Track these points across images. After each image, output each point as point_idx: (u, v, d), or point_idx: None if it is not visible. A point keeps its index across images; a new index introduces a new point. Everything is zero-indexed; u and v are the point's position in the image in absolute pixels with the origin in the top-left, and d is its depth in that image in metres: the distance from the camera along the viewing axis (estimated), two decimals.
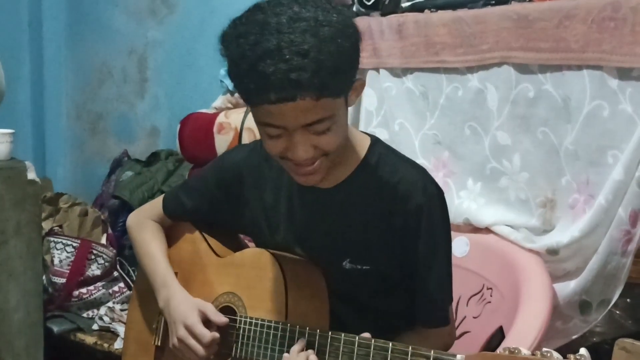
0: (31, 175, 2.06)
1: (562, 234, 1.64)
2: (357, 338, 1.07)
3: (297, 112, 1.04)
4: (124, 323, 2.19)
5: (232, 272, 1.32)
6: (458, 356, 0.95)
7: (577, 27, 1.57)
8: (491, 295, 1.71)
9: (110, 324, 2.23)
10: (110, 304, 2.29)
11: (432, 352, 0.98)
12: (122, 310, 2.28)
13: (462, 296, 1.76)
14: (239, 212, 1.34)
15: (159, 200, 1.49)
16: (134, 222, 1.48)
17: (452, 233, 1.78)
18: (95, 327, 2.24)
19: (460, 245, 1.81)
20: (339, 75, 1.05)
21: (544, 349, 0.84)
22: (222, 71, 2.54)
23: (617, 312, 1.76)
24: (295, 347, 1.13)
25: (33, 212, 2.04)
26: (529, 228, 1.73)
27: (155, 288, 1.37)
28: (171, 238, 1.47)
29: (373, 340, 1.05)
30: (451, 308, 1.29)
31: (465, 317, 1.74)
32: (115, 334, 2.18)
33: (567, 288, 1.64)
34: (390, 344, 1.03)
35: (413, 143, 1.90)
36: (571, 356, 0.80)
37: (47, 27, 3.31)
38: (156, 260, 1.39)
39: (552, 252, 1.64)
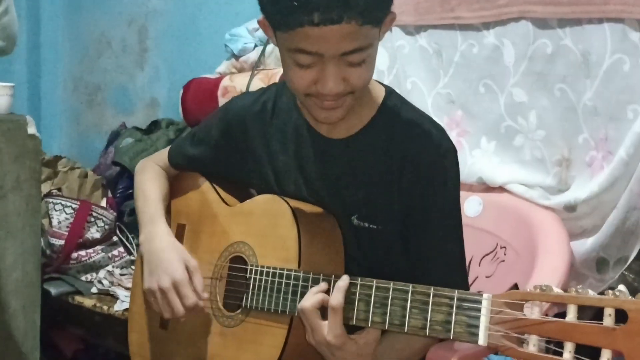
0: (31, 129, 2.00)
1: (580, 190, 1.61)
2: (374, 282, 1.01)
3: (339, 37, 0.98)
4: (124, 287, 2.16)
5: (242, 221, 1.28)
6: (484, 294, 0.87)
7: None
8: (505, 254, 1.68)
9: (110, 287, 2.18)
10: (109, 268, 2.24)
11: (455, 292, 0.91)
12: (121, 274, 2.23)
13: (475, 256, 1.72)
14: (244, 161, 1.30)
15: (165, 150, 1.45)
16: (139, 166, 1.45)
17: (465, 193, 1.78)
18: (94, 290, 2.19)
19: (473, 204, 1.78)
20: (382, 7, 1.01)
21: (579, 286, 0.79)
22: (227, 35, 2.50)
23: (631, 275, 1.73)
24: (314, 288, 1.07)
25: (33, 167, 1.98)
26: (544, 187, 1.70)
27: (141, 224, 1.31)
28: (180, 189, 1.43)
29: (392, 284, 0.99)
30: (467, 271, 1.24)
31: (477, 276, 1.70)
32: (114, 297, 2.13)
33: (584, 246, 1.61)
34: (411, 286, 0.96)
35: (426, 102, 1.87)
36: (609, 292, 0.75)
37: None
38: (149, 199, 1.34)
39: (570, 208, 1.61)
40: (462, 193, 1.71)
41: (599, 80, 1.58)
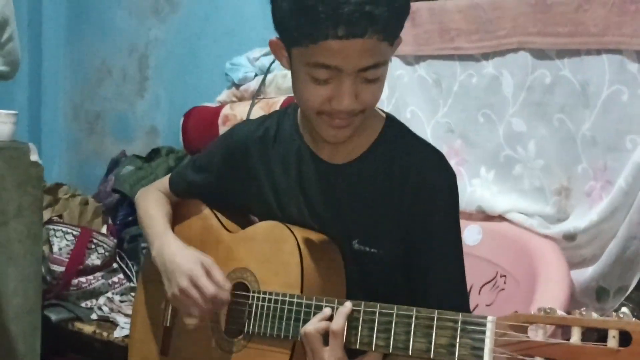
0: (34, 157, 2.02)
1: (580, 220, 1.62)
2: (378, 306, 1.01)
3: (360, 52, 0.99)
4: (124, 314, 2.15)
5: (244, 247, 1.28)
6: (489, 317, 0.88)
7: (597, 10, 1.57)
8: (505, 283, 1.68)
9: (109, 314, 2.17)
10: (109, 295, 2.24)
11: (460, 315, 0.91)
12: (121, 301, 2.22)
13: (475, 284, 1.73)
14: (246, 187, 1.30)
15: (166, 178, 1.46)
16: (141, 193, 1.45)
17: (464, 221, 1.79)
18: (93, 317, 2.18)
19: (472, 233, 1.79)
20: (403, 17, 1.04)
21: (582, 308, 0.80)
22: (228, 64, 2.53)
23: (630, 305, 1.74)
24: (319, 315, 1.07)
25: (35, 195, 1.98)
26: (543, 216, 1.71)
27: (150, 241, 1.32)
28: (181, 215, 1.43)
29: (396, 308, 0.99)
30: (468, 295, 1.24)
31: (477, 305, 1.70)
32: (114, 324, 2.12)
33: (584, 275, 1.62)
34: (415, 310, 0.96)
35: (425, 131, 1.89)
36: (613, 314, 0.75)
37: (47, 25, 3.28)
38: (154, 218, 1.34)
39: (569, 237, 1.62)
40: (462, 222, 1.72)
41: (598, 111, 1.60)
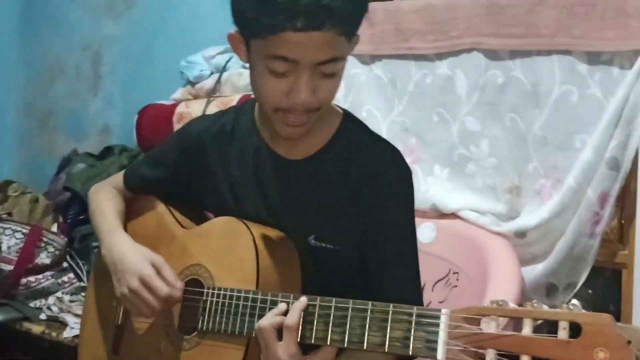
0: None
1: (530, 217, 1.65)
2: (333, 301, 1.01)
3: (318, 45, 1.00)
4: (74, 314, 2.10)
5: (198, 243, 1.26)
6: (443, 310, 0.88)
7: (548, 13, 1.60)
8: (457, 280, 1.70)
9: (59, 314, 2.12)
10: (59, 294, 2.18)
11: (414, 308, 0.91)
12: (71, 301, 2.17)
13: (428, 281, 1.74)
14: (202, 183, 1.29)
15: (120, 174, 1.43)
16: (94, 189, 1.42)
17: (419, 219, 1.80)
18: (42, 316, 2.13)
19: (426, 231, 1.80)
20: (362, 11, 1.05)
21: (534, 300, 0.82)
22: (183, 62, 2.50)
23: (579, 302, 1.78)
24: (274, 310, 1.06)
25: None
26: (495, 214, 1.73)
27: (100, 238, 1.29)
28: (135, 212, 1.40)
29: (351, 302, 0.99)
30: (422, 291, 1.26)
31: (430, 301, 1.72)
32: (64, 324, 2.07)
33: (534, 271, 1.65)
34: (370, 304, 0.96)
35: (380, 130, 1.90)
36: (563, 305, 0.77)
37: None
38: (105, 214, 1.32)
39: (520, 234, 1.65)
40: (416, 219, 1.75)
41: (548, 110, 1.63)
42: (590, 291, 1.78)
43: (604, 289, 1.71)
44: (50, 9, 3.14)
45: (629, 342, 0.68)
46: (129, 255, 1.21)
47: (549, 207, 1.60)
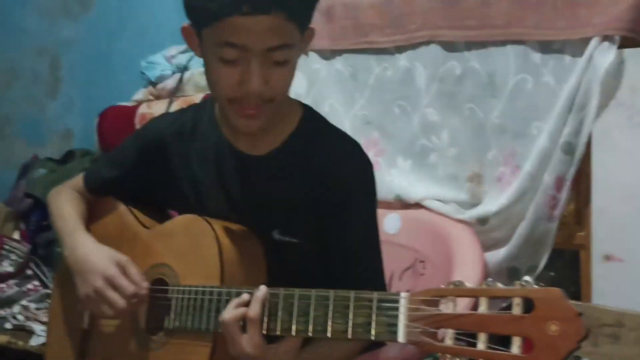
0: None
1: (491, 204, 1.68)
2: (296, 291, 1.02)
3: (266, 30, 1.01)
4: (40, 321, 2.08)
5: (162, 243, 1.26)
6: (402, 294, 0.90)
7: (501, 4, 1.64)
8: (424, 268, 1.73)
9: (25, 322, 2.09)
10: (24, 302, 2.16)
11: (375, 293, 0.93)
12: (37, 309, 2.15)
13: (395, 271, 1.76)
14: (163, 181, 1.29)
15: (79, 176, 1.42)
16: (53, 192, 1.41)
17: (384, 210, 1.83)
18: (8, 326, 2.10)
19: (392, 221, 1.82)
20: (309, 7, 1.06)
21: (489, 279, 0.84)
22: (144, 63, 2.49)
23: (542, 284, 1.81)
24: (235, 300, 1.06)
25: None
26: (458, 202, 1.76)
27: (61, 240, 1.28)
28: (96, 214, 1.39)
29: (314, 291, 1.00)
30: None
31: (399, 291, 1.74)
32: (30, 332, 2.05)
33: (497, 256, 1.68)
34: (332, 292, 0.98)
35: (343, 124, 1.91)
36: (516, 282, 0.80)
37: None
38: (65, 217, 1.31)
39: (482, 221, 1.68)
40: (381, 211, 1.76)
41: (505, 99, 1.67)
42: (552, 273, 1.82)
43: (564, 271, 1.75)
44: (3, 14, 3.10)
45: (580, 314, 0.70)
46: (92, 255, 1.20)
47: (509, 194, 1.64)
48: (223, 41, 1.03)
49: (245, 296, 1.05)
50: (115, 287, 1.16)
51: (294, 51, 1.07)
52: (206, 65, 1.10)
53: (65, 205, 1.34)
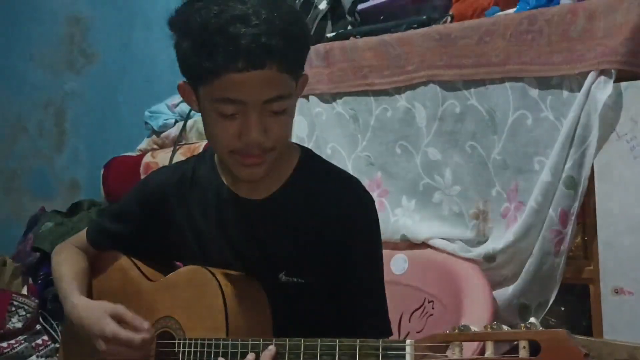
0: None
1: (498, 241, 1.67)
2: (302, 341, 1.02)
3: (261, 83, 1.03)
4: None
5: (166, 295, 1.26)
6: (407, 341, 0.89)
7: (497, 41, 1.66)
8: (433, 308, 1.72)
9: None
10: (33, 358, 2.15)
11: (380, 341, 0.93)
12: None
13: (405, 312, 1.75)
14: (166, 233, 1.29)
15: (83, 231, 1.42)
16: (55, 250, 1.41)
17: (390, 251, 1.83)
18: None
19: (398, 262, 1.82)
20: (302, 49, 1.09)
21: (494, 322, 0.83)
22: (147, 113, 2.52)
23: (553, 319, 1.80)
24: (249, 357, 1.06)
25: None
26: (464, 240, 1.76)
27: (62, 304, 1.29)
28: (99, 269, 1.39)
29: (319, 340, 1.00)
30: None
31: (408, 332, 1.73)
32: None
33: (506, 293, 1.67)
34: (337, 341, 0.98)
35: (346, 165, 1.93)
36: (521, 325, 0.79)
37: None
38: (62, 279, 1.31)
39: (489, 258, 1.68)
40: (388, 251, 1.77)
41: (506, 135, 1.67)
42: (562, 308, 1.80)
43: (575, 305, 1.73)
44: (8, 69, 3.15)
45: (587, 355, 0.70)
46: (86, 319, 1.20)
47: (514, 230, 1.63)
48: (220, 97, 1.05)
49: (250, 357, 1.06)
50: (120, 343, 1.16)
51: (291, 100, 1.09)
52: (204, 119, 1.12)
53: (63, 266, 1.34)
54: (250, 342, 1.07)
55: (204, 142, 2.28)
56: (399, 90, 1.86)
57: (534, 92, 1.63)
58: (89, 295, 1.32)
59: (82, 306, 1.23)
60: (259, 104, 1.05)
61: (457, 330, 0.77)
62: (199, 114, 2.48)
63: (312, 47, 1.98)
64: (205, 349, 1.13)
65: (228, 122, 1.07)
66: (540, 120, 1.62)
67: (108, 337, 1.16)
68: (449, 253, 1.75)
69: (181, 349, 1.17)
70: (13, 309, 2.20)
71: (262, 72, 1.02)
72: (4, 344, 2.16)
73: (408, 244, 1.84)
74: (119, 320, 1.17)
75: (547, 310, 1.63)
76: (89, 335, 1.19)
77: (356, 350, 0.94)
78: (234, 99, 1.05)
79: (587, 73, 1.51)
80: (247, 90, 1.03)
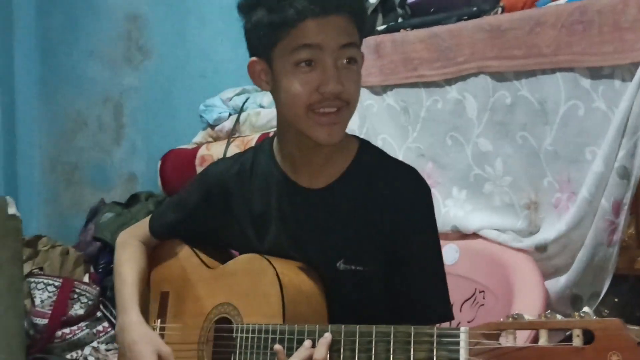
0: (12, 210, 2.03)
1: (549, 231, 1.67)
2: (357, 328, 1.04)
3: (337, 28, 1.12)
4: None
5: (225, 282, 1.30)
6: (462, 328, 0.91)
7: (548, 32, 1.65)
8: (484, 298, 1.73)
9: None
10: (94, 344, 2.23)
11: (435, 328, 0.95)
12: (107, 350, 2.22)
13: (455, 302, 1.76)
14: (226, 223, 1.33)
15: (145, 221, 1.47)
16: (120, 241, 1.46)
17: (441, 241, 1.84)
18: None
19: (449, 252, 1.83)
20: (365, 11, 1.21)
21: (547, 311, 0.85)
22: (202, 106, 2.58)
23: (606, 310, 1.79)
24: (301, 348, 1.10)
25: (14, 248, 2.00)
26: (515, 230, 1.76)
27: (117, 309, 1.34)
28: (161, 256, 1.44)
29: (375, 327, 1.02)
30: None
31: (459, 322, 1.73)
32: None
33: (558, 284, 1.67)
34: (392, 328, 1.00)
35: (397, 157, 1.93)
36: (575, 314, 0.80)
37: (20, 80, 3.31)
38: (125, 282, 1.35)
39: (541, 249, 1.68)
40: None
41: (557, 126, 1.67)
42: (615, 299, 1.79)
43: (628, 296, 1.72)
44: (69, 65, 3.25)
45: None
46: (139, 345, 1.24)
47: (566, 220, 1.63)
48: (298, 45, 1.12)
49: (307, 343, 1.09)
50: None
51: (360, 55, 1.17)
52: (280, 84, 1.17)
53: (125, 265, 1.38)
54: (306, 329, 1.10)
55: (257, 135, 2.33)
56: (449, 82, 1.87)
57: (586, 82, 1.62)
58: (147, 284, 1.38)
59: (137, 330, 1.27)
60: (335, 50, 1.12)
61: (510, 319, 0.79)
62: (252, 107, 2.54)
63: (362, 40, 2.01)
64: (262, 335, 1.16)
65: (305, 75, 1.13)
66: (592, 110, 1.61)
67: None
68: (500, 243, 1.75)
69: (239, 334, 1.21)
70: (75, 296, 2.29)
71: (336, 18, 1.11)
72: (67, 330, 2.25)
73: (459, 234, 1.86)
74: None
75: (599, 301, 1.62)
76: (129, 355, 1.25)
77: (411, 337, 0.96)
78: (311, 43, 1.11)
79: (639, 63, 1.49)
80: (323, 34, 1.11)
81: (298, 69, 1.13)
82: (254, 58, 1.19)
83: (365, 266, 1.21)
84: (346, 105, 1.15)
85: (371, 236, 1.20)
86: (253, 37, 1.17)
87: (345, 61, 1.13)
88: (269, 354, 1.15)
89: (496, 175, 1.80)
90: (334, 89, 1.12)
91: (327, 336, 1.07)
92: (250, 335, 1.19)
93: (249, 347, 1.18)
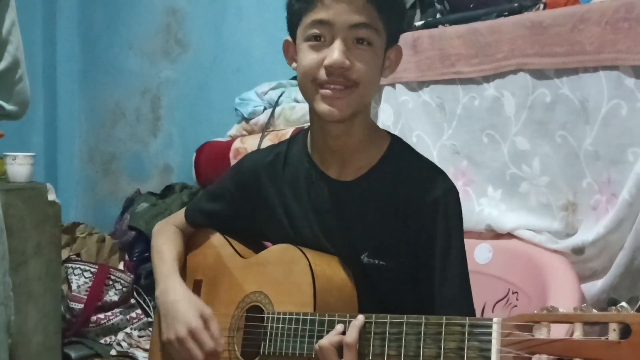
0: (51, 196, 2.07)
1: (587, 233, 1.64)
2: (388, 317, 1.04)
3: (349, 7, 1.13)
4: (142, 348, 2.18)
5: (257, 271, 1.31)
6: (494, 319, 0.91)
7: (592, 29, 1.61)
8: (517, 299, 1.70)
9: (129, 349, 2.20)
10: (127, 330, 2.27)
11: (467, 319, 0.94)
12: (139, 336, 2.25)
13: (488, 302, 1.74)
14: (259, 212, 1.35)
15: (182, 211, 1.50)
16: (156, 228, 1.49)
17: (474, 240, 1.82)
18: (113, 352, 2.21)
19: (483, 251, 1.81)
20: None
21: (583, 305, 0.83)
22: (237, 100, 2.60)
23: None
24: (332, 331, 1.10)
25: (53, 233, 2.04)
26: (551, 232, 1.73)
27: (156, 280, 1.36)
28: (195, 245, 1.47)
29: (406, 317, 1.02)
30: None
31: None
32: (133, 359, 2.15)
33: (595, 287, 1.63)
34: (424, 318, 1.00)
35: (431, 154, 1.93)
36: (612, 308, 0.78)
37: (61, 71, 3.38)
38: (164, 258, 1.38)
39: (578, 251, 1.64)
40: (472, 241, 1.76)
41: (598, 126, 1.63)
42: None
43: None
44: (109, 57, 3.31)
45: None
46: (181, 304, 1.27)
47: (605, 222, 1.59)
48: (311, 21, 1.15)
49: (339, 327, 1.09)
50: (196, 340, 1.22)
51: (377, 37, 1.16)
52: (298, 61, 1.20)
53: (165, 245, 1.41)
54: (337, 318, 1.11)
55: (291, 129, 2.33)
56: (487, 79, 1.83)
57: (630, 82, 1.57)
58: (182, 273, 1.39)
59: (181, 291, 1.30)
60: (345, 28, 1.13)
61: (545, 311, 0.77)
62: (287, 101, 2.56)
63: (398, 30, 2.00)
64: (293, 325, 1.17)
65: (314, 51, 1.15)
66: (636, 110, 1.57)
67: (191, 329, 1.23)
68: (535, 244, 1.72)
69: (269, 323, 1.22)
70: (110, 282, 2.33)
71: None
72: (102, 315, 2.29)
73: (493, 233, 1.83)
74: (204, 321, 1.24)
75: (638, 306, 1.58)
76: (172, 317, 1.26)
77: (442, 327, 0.95)
78: (322, 20, 1.14)
79: None
80: (335, 11, 1.13)
81: (308, 44, 1.16)
82: (287, 38, 1.23)
83: (388, 261, 1.21)
84: (355, 86, 1.16)
85: (394, 233, 1.20)
86: (287, 18, 1.21)
87: (355, 41, 1.14)
88: (299, 341, 1.15)
89: (533, 175, 1.77)
90: (337, 61, 1.13)
91: (360, 318, 1.07)
92: (280, 324, 1.20)
93: (279, 335, 1.19)
